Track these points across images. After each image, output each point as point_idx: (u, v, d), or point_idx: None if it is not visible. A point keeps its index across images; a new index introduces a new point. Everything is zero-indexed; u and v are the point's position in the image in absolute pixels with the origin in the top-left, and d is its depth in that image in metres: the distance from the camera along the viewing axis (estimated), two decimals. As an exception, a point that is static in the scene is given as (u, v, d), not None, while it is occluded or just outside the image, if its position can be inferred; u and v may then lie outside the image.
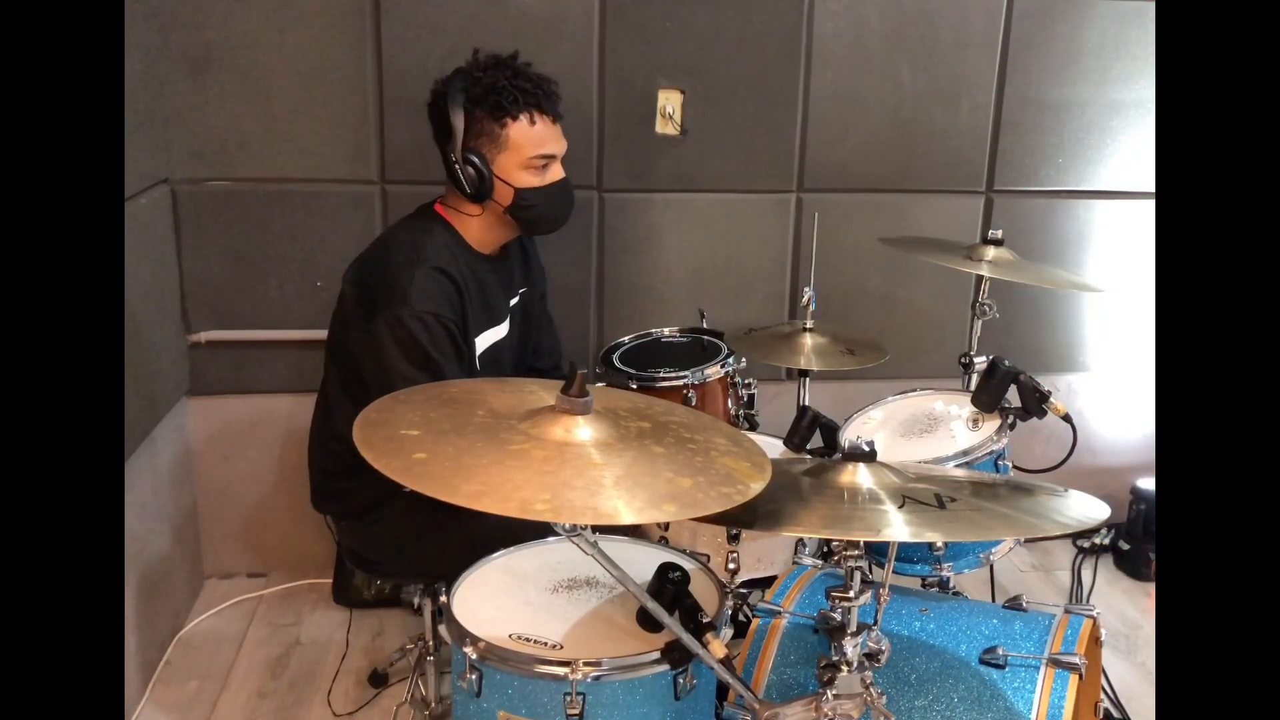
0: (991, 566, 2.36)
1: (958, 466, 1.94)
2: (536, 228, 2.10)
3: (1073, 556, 3.06)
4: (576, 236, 2.68)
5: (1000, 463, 2.01)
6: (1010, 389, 2.04)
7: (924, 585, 2.17)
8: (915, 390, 2.27)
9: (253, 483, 2.80)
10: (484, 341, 2.05)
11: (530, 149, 1.94)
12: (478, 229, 2.01)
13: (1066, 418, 2.03)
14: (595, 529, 1.26)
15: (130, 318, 2.21)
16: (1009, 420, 2.03)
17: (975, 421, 2.08)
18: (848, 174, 2.81)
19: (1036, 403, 2.01)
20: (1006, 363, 2.03)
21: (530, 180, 1.96)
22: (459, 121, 1.91)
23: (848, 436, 2.10)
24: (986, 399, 2.05)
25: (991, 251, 2.23)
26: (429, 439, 1.26)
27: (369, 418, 1.33)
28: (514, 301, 2.16)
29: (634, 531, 1.77)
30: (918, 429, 2.14)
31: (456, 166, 1.92)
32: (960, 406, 2.14)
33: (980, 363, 2.22)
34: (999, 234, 2.17)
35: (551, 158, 1.98)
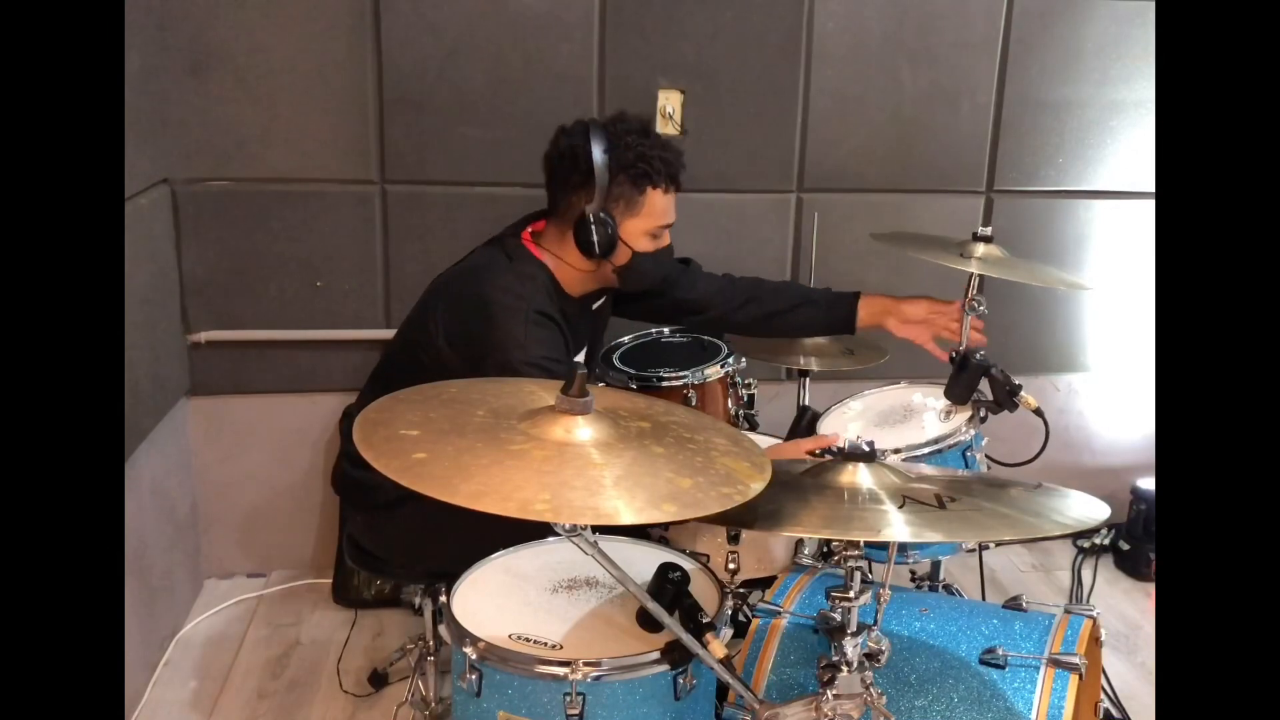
0: (981, 564, 2.37)
1: (926, 455, 1.96)
2: (633, 284, 2.08)
3: (1073, 556, 3.06)
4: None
5: (969, 454, 2.02)
6: (982, 382, 2.05)
7: (915, 581, 2.18)
8: (900, 383, 2.29)
9: (253, 483, 2.80)
10: None
11: (661, 218, 1.98)
12: (573, 276, 2.00)
13: (1038, 411, 2.03)
14: (596, 529, 1.26)
15: (130, 318, 2.21)
16: (980, 413, 2.04)
17: (948, 414, 2.09)
18: (848, 174, 2.81)
19: (1007, 396, 2.00)
20: (978, 355, 2.03)
21: (648, 245, 1.99)
22: (603, 181, 1.90)
23: (826, 427, 2.12)
24: (959, 391, 2.05)
25: (981, 248, 2.24)
26: (429, 439, 1.26)
27: (369, 418, 1.33)
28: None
29: (635, 531, 1.76)
30: (893, 420, 2.16)
31: (592, 226, 1.91)
32: (937, 399, 2.15)
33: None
34: (988, 231, 2.17)
35: (670, 226, 2.03)
